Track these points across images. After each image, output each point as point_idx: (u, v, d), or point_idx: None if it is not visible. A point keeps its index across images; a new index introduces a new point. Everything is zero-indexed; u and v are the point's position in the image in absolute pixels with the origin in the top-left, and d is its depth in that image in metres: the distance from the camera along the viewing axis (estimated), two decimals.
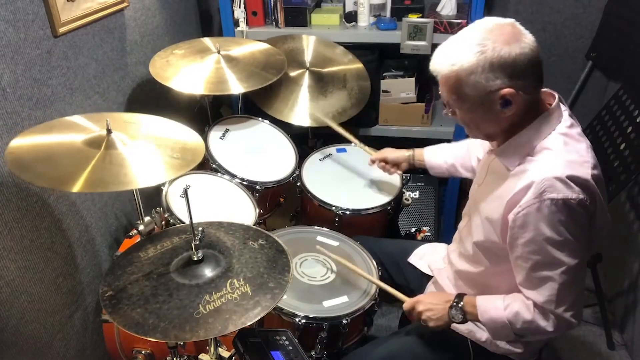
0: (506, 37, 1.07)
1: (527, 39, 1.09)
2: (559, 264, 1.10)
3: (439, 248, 1.60)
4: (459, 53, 1.10)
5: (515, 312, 1.17)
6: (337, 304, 1.45)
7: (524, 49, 1.07)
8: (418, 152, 1.71)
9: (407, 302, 1.36)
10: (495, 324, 1.20)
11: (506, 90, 1.08)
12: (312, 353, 1.43)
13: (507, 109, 1.11)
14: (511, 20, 1.12)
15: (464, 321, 1.25)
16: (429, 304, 1.29)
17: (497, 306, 1.20)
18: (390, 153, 1.75)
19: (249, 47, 2.02)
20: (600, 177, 1.13)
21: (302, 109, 2.06)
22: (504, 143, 1.20)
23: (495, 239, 1.22)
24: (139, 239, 1.41)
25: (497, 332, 1.22)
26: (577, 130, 1.17)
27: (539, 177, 1.08)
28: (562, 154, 1.11)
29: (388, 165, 1.76)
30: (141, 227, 1.39)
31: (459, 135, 2.27)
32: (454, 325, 1.33)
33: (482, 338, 1.31)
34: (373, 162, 1.80)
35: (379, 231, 1.93)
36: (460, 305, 1.24)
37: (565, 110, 1.18)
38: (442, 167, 1.64)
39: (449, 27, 2.06)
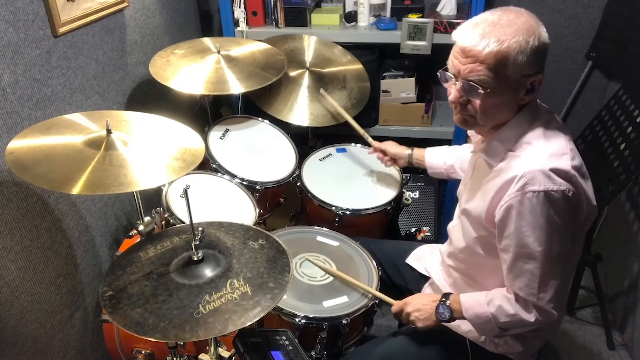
0: (540, 26, 1.10)
1: None
2: (540, 256, 1.12)
3: (437, 249, 1.60)
4: (510, 32, 1.05)
5: (498, 306, 1.19)
6: (337, 304, 1.45)
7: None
8: (417, 152, 1.74)
9: (395, 304, 1.38)
10: (480, 319, 1.22)
11: (538, 77, 1.11)
12: (312, 353, 1.43)
13: (529, 95, 1.14)
14: None
15: (451, 319, 1.27)
16: (417, 305, 1.33)
17: (480, 302, 1.23)
18: (391, 147, 1.78)
19: (249, 47, 2.02)
20: (581, 167, 1.15)
21: (301, 109, 2.06)
22: (487, 141, 1.22)
23: (484, 234, 1.24)
24: (138, 239, 1.41)
25: (482, 327, 1.25)
26: (556, 124, 1.19)
27: (521, 171, 1.10)
28: (542, 147, 1.13)
29: (386, 157, 1.79)
30: (141, 227, 1.39)
31: (459, 135, 2.27)
32: (452, 324, 1.34)
33: (481, 338, 1.31)
34: (374, 150, 1.84)
35: (379, 231, 1.93)
36: (447, 304, 1.27)
37: (542, 107, 1.21)
38: (441, 167, 1.67)
39: (449, 27, 2.06)
